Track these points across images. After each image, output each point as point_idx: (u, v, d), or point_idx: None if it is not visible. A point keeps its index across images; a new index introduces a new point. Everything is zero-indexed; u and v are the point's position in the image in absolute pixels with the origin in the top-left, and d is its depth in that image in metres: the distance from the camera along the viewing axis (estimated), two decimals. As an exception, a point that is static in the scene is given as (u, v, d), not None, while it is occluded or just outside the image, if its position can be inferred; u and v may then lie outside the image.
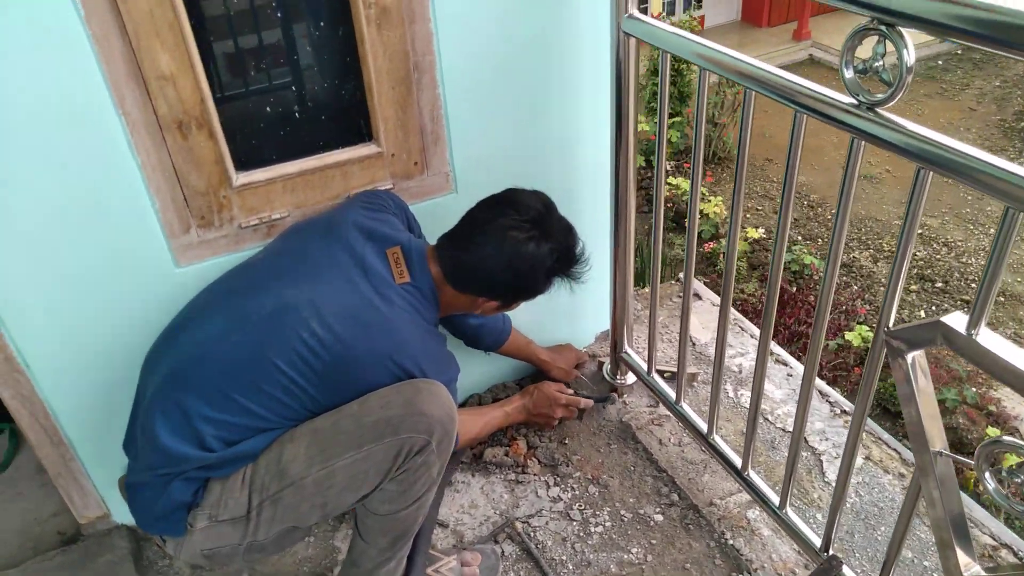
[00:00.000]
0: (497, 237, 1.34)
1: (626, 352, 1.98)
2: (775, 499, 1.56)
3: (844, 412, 1.96)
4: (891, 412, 4.72)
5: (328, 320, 1.25)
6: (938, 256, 6.61)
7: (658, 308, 2.35)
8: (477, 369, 1.98)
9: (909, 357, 1.12)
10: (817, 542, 1.48)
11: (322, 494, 1.24)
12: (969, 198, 7.21)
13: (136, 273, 1.43)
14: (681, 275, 2.03)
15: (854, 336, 5.11)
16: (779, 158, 8.13)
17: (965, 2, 0.85)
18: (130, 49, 1.25)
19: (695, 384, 2.04)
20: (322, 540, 1.71)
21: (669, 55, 1.45)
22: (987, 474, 1.06)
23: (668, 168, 6.96)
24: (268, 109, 1.46)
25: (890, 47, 0.96)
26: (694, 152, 1.44)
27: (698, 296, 2.42)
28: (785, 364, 2.13)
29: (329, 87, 1.50)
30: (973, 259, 6.62)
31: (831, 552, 1.46)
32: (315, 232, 1.40)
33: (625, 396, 2.01)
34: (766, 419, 1.96)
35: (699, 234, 6.57)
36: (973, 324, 1.00)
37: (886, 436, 1.90)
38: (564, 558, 1.63)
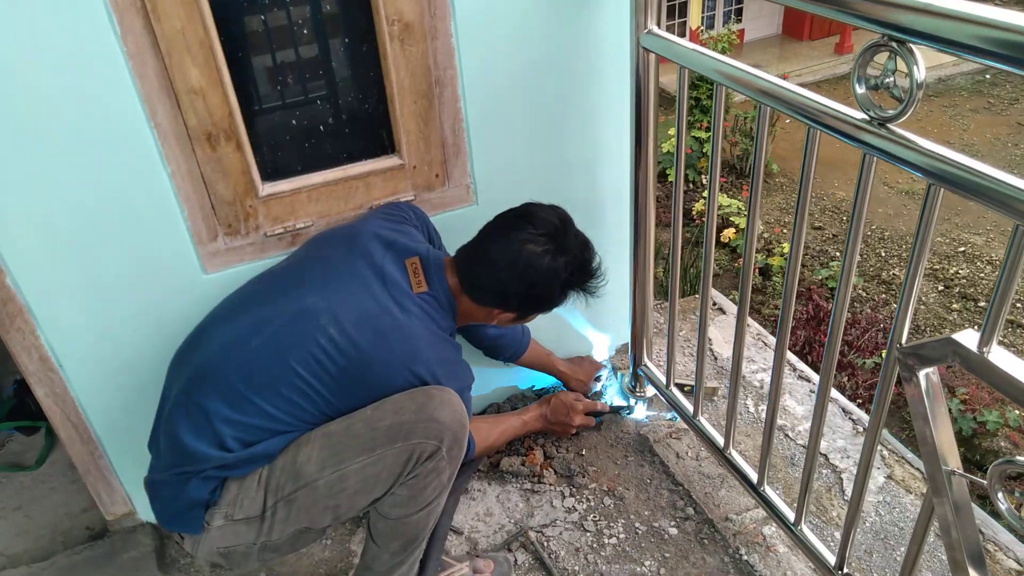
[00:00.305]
0: (513, 250, 1.37)
1: (646, 365, 1.98)
2: (791, 515, 1.55)
3: (867, 430, 1.93)
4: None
5: (346, 327, 1.29)
6: (981, 275, 6.44)
7: (681, 321, 2.36)
8: (496, 379, 2.00)
9: (922, 374, 1.11)
10: (832, 560, 1.46)
11: (334, 496, 1.27)
12: (1015, 215, 7.00)
13: (166, 279, 1.49)
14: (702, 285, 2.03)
15: (891, 355, 5.01)
16: (816, 172, 8.00)
17: (975, 19, 0.85)
18: (162, 65, 1.31)
19: (715, 398, 2.04)
20: (338, 543, 1.74)
21: (687, 71, 1.46)
22: (1000, 494, 1.04)
23: (706, 182, 6.93)
24: (294, 122, 1.51)
25: (901, 64, 0.96)
26: (711, 166, 1.45)
27: (722, 310, 2.41)
28: (808, 380, 2.11)
29: (353, 101, 1.54)
30: (1020, 278, 6.42)
31: (845, 570, 1.45)
32: (337, 242, 1.44)
33: (644, 408, 2.01)
34: (786, 435, 1.94)
35: (733, 249, 6.51)
36: (985, 341, 0.99)
37: (909, 455, 1.87)
38: (576, 569, 1.64)
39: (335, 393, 1.29)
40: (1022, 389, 0.95)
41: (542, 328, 1.88)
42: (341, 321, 1.29)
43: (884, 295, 6.21)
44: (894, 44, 0.96)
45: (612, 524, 1.72)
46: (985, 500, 2.93)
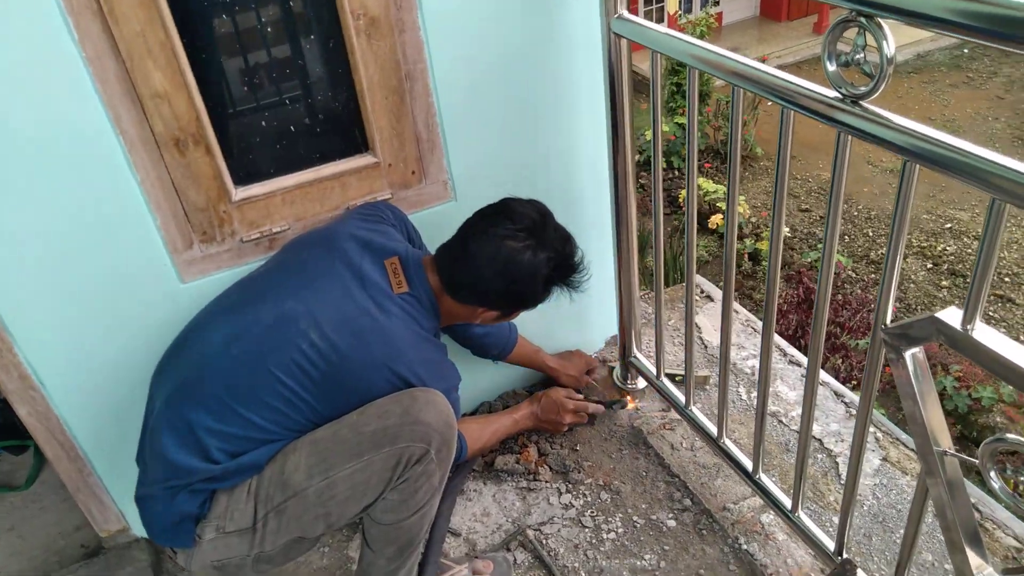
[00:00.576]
0: (492, 247, 1.34)
1: (635, 357, 1.96)
2: (787, 503, 1.53)
3: (857, 413, 1.92)
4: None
5: (325, 330, 1.26)
6: (969, 251, 6.45)
7: (669, 311, 2.34)
8: (487, 377, 1.98)
9: (907, 354, 1.09)
10: (831, 545, 1.45)
11: (324, 504, 1.25)
12: (1001, 190, 7.02)
13: (142, 290, 1.45)
14: (696, 276, 2.01)
15: (884, 334, 5.01)
16: (801, 154, 8.01)
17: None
18: (124, 69, 1.27)
19: (707, 387, 2.02)
20: (336, 550, 1.71)
21: (661, 55, 1.44)
22: (992, 472, 1.03)
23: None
24: (264, 123, 1.48)
25: (871, 40, 0.94)
26: (688, 150, 1.43)
27: (710, 298, 2.39)
28: (799, 365, 2.10)
29: (323, 99, 1.51)
30: (1005, 252, 6.45)
31: (845, 555, 1.43)
32: (313, 245, 1.41)
33: (636, 401, 1.99)
34: (780, 421, 1.93)
35: (722, 235, 6.51)
36: (968, 319, 0.97)
37: (904, 436, 1.85)
38: (576, 565, 1.62)
39: (319, 399, 1.27)
40: (1007, 366, 0.94)
41: (529, 324, 1.86)
42: (321, 325, 1.26)
43: (874, 275, 6.23)
44: (863, 19, 0.94)
45: (610, 519, 1.71)
46: (981, 477, 2.92)
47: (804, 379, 2.05)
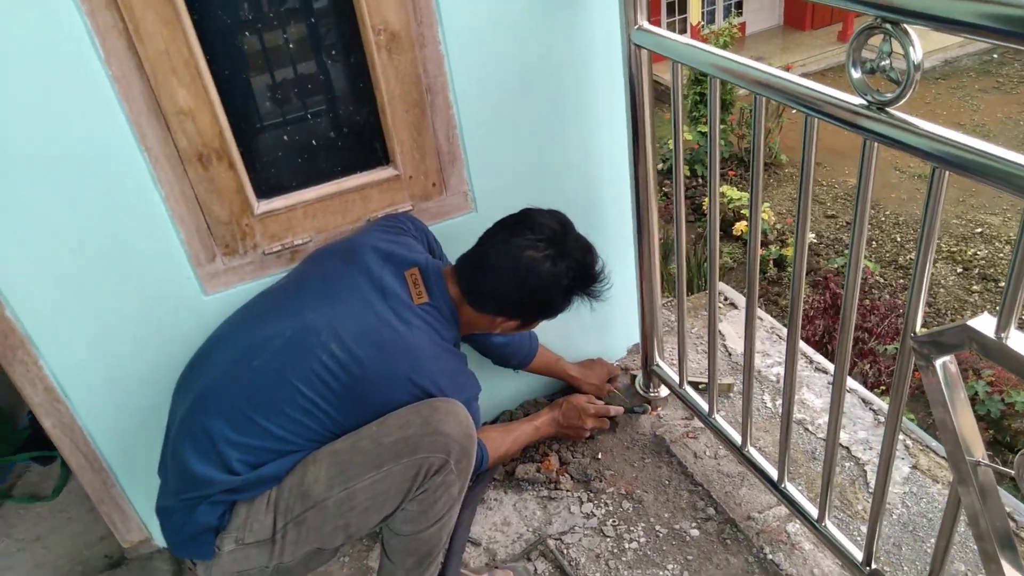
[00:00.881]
0: (513, 257, 1.34)
1: (657, 365, 1.94)
2: (814, 512, 1.51)
3: (887, 421, 1.89)
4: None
5: (347, 342, 1.27)
6: (1000, 255, 6.33)
7: (692, 318, 2.32)
8: (508, 386, 1.97)
9: (938, 363, 1.07)
10: (859, 556, 1.42)
11: (344, 515, 1.25)
12: (1032, 193, 6.90)
13: (166, 302, 1.48)
14: (720, 284, 1.99)
15: (913, 340, 4.93)
16: (827, 160, 7.93)
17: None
18: (148, 87, 1.30)
19: (731, 395, 2.00)
20: (356, 560, 1.72)
21: (681, 66, 1.44)
22: (1027, 483, 1.00)
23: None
24: (286, 138, 1.49)
25: (896, 46, 0.93)
26: (710, 158, 1.41)
27: (734, 305, 2.37)
28: (825, 372, 2.07)
29: (344, 113, 1.53)
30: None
31: (873, 566, 1.40)
32: (335, 257, 1.42)
33: (659, 409, 1.98)
34: (806, 429, 1.90)
35: (747, 242, 6.45)
36: (1003, 327, 0.95)
37: (934, 444, 1.82)
38: (598, 575, 1.61)
39: (340, 410, 1.27)
40: (1044, 373, 0.92)
41: (550, 333, 1.86)
42: (342, 337, 1.27)
43: (902, 280, 6.13)
44: (888, 25, 0.93)
45: (632, 528, 1.69)
46: (1014, 483, 2.86)
47: (831, 386, 2.03)
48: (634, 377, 2.05)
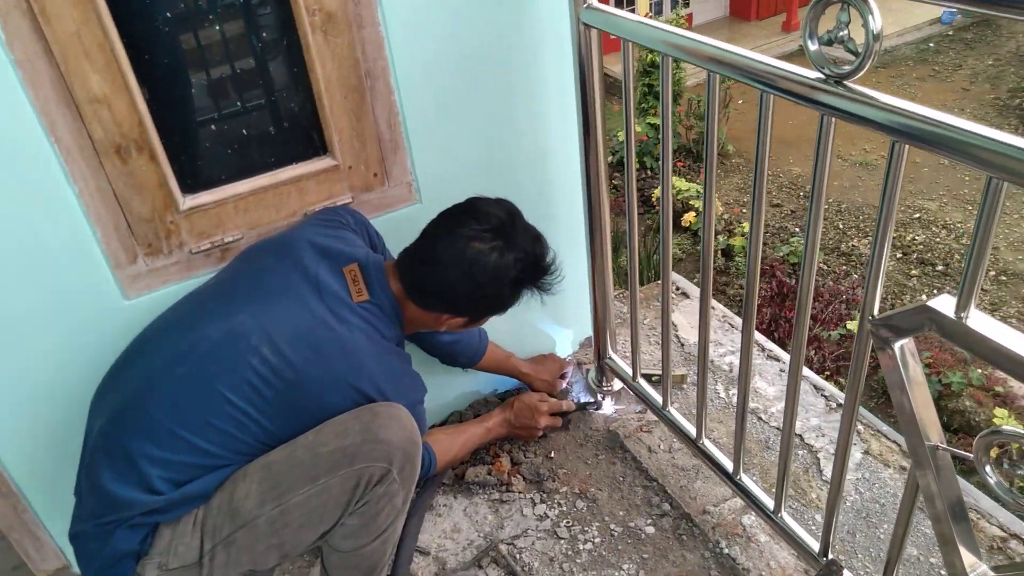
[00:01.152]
0: (457, 249, 1.27)
1: (610, 358, 1.90)
2: (770, 503, 1.48)
3: (840, 406, 1.89)
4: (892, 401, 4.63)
5: (279, 345, 1.18)
6: (937, 239, 6.53)
7: (644, 309, 2.29)
8: (456, 386, 1.91)
9: (897, 346, 1.05)
10: (815, 547, 1.40)
11: (278, 534, 1.17)
12: (966, 179, 7.14)
13: (83, 309, 1.36)
14: (672, 274, 1.96)
15: (855, 325, 5.04)
16: (772, 150, 8.05)
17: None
18: (58, 72, 1.19)
19: (684, 386, 1.97)
20: None
21: (632, 44, 1.39)
22: (987, 467, 0.99)
23: (659, 169, 6.91)
24: (214, 127, 1.40)
25: (855, 15, 0.89)
26: (663, 145, 1.37)
27: (686, 295, 2.35)
28: (777, 359, 2.06)
29: (279, 100, 1.44)
30: (960, 228, 6.54)
31: (830, 556, 1.39)
32: (267, 254, 1.33)
33: (612, 403, 1.94)
34: (759, 418, 1.88)
35: (695, 232, 6.50)
36: (962, 307, 0.93)
37: (885, 428, 1.82)
38: (554, 578, 1.56)
39: (273, 420, 1.19)
40: (1003, 353, 0.89)
41: (500, 329, 1.79)
42: (274, 340, 1.18)
43: (844, 267, 6.26)
44: (846, -6, 0.89)
45: (586, 528, 1.65)
46: (967, 469, 2.92)
47: (783, 374, 2.02)
48: (587, 371, 2.01)
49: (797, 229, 6.67)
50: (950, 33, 10.54)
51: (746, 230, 6.20)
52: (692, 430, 1.64)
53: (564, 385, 1.96)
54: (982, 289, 5.91)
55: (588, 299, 1.86)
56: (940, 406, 4.49)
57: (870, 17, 0.86)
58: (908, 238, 6.57)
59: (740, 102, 8.02)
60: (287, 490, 1.16)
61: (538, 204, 1.69)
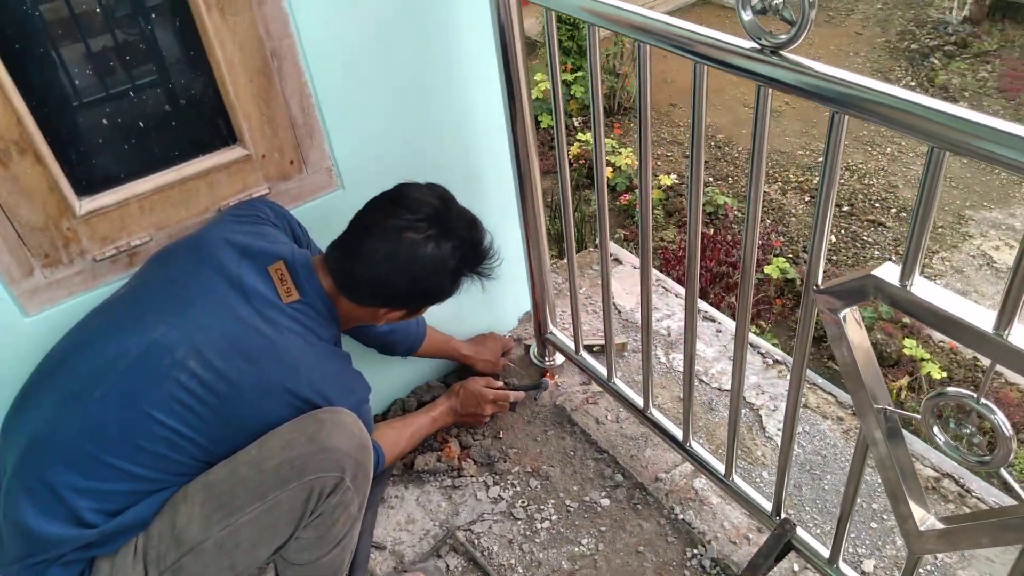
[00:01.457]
0: (390, 242, 1.20)
1: (551, 332, 1.88)
2: (720, 468, 1.50)
3: (777, 362, 1.92)
4: (826, 345, 4.81)
5: (209, 358, 1.09)
6: (840, 180, 6.78)
7: (580, 279, 2.27)
8: (396, 374, 1.84)
9: (842, 314, 1.05)
10: (768, 507, 1.43)
11: (228, 556, 1.09)
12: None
13: (-25, 330, 1.23)
14: (600, 239, 1.94)
15: (772, 269, 5.20)
16: (683, 102, 8.13)
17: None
18: (-86, 70, 1.04)
19: (625, 354, 1.97)
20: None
21: (554, 13, 1.33)
22: (935, 428, 1.01)
23: (577, 124, 6.89)
24: (107, 121, 1.26)
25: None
26: (592, 108, 1.34)
27: (618, 260, 2.34)
28: (713, 320, 2.08)
29: (177, 87, 1.31)
30: (874, 180, 6.81)
31: (783, 515, 1.41)
32: (181, 257, 1.22)
33: (556, 378, 1.91)
34: (701, 380, 1.90)
35: (614, 188, 6.54)
36: (907, 275, 0.93)
37: (820, 380, 1.87)
38: (513, 562, 1.54)
39: (209, 436, 1.10)
40: (949, 319, 0.90)
41: (437, 313, 1.71)
42: (203, 352, 1.09)
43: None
44: (777, -43, 0.86)
45: (542, 507, 1.63)
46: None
47: (720, 334, 2.04)
48: (528, 347, 1.97)
49: (711, 179, 6.80)
50: (841, -23, 10.85)
51: (664, 182, 6.27)
52: (639, 400, 1.64)
53: (506, 363, 1.92)
54: (884, 226, 6.19)
55: (525, 273, 1.82)
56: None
57: (806, -16, 0.83)
58: (815, 182, 6.80)
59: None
60: (234, 510, 1.08)
61: (467, 182, 1.63)
